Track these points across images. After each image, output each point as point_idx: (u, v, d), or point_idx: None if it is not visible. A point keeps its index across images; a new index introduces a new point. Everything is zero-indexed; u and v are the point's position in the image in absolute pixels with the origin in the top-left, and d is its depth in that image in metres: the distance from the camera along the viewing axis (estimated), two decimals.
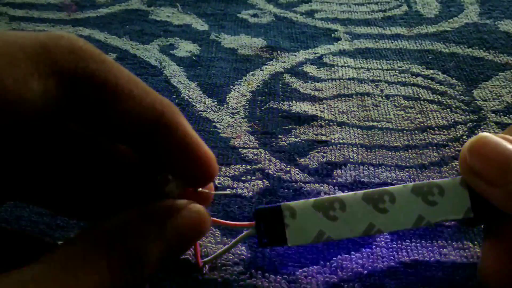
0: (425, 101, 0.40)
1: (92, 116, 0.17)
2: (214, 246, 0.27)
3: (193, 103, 0.39)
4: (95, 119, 0.17)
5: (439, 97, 0.40)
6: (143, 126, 0.18)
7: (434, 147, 0.35)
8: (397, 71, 0.44)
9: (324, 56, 0.46)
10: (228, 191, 0.29)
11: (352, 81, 0.42)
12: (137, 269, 0.18)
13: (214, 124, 0.37)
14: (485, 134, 0.21)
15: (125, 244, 0.18)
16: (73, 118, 0.17)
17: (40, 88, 0.15)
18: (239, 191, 0.31)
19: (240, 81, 0.42)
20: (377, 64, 0.45)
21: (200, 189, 0.22)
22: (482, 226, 0.26)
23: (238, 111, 0.38)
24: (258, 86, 0.42)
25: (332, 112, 0.38)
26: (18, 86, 0.14)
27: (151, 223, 0.19)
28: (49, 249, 0.17)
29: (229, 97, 0.40)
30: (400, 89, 0.41)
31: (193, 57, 0.46)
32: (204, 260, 0.25)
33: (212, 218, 0.23)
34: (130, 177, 0.21)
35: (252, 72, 0.44)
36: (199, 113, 0.38)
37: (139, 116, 0.17)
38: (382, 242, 0.27)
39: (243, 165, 0.33)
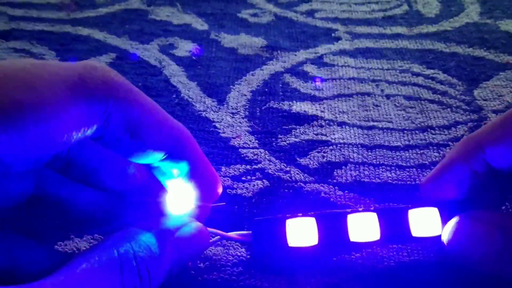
0: (426, 101, 0.40)
1: (119, 140, 0.19)
2: (213, 248, 0.26)
3: (193, 103, 0.39)
4: (121, 143, 0.19)
5: (439, 96, 0.40)
6: (161, 150, 0.20)
7: (435, 147, 0.35)
8: (397, 71, 0.44)
9: (324, 55, 0.46)
10: (223, 203, 0.29)
11: (352, 80, 0.42)
12: (146, 284, 0.19)
13: (214, 124, 0.37)
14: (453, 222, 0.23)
15: (135, 261, 0.19)
16: (103, 141, 0.19)
17: (77, 113, 0.17)
18: (239, 191, 0.31)
19: (240, 81, 0.42)
20: (377, 64, 0.45)
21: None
22: None
23: (238, 111, 0.38)
24: (258, 85, 0.42)
25: (332, 112, 0.38)
26: (59, 111, 0.16)
27: (156, 240, 0.20)
28: (60, 259, 0.18)
29: (229, 97, 0.40)
30: (401, 89, 0.41)
31: (193, 57, 0.46)
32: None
33: (209, 228, 0.24)
34: (140, 194, 0.23)
35: (252, 72, 0.43)
36: (199, 113, 0.38)
37: (158, 141, 0.19)
38: None
39: (243, 165, 0.33)
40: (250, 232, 0.25)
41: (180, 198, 0.22)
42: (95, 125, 0.17)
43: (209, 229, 0.24)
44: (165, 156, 0.20)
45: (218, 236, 0.25)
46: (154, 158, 0.20)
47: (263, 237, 0.25)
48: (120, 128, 0.18)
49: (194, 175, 0.21)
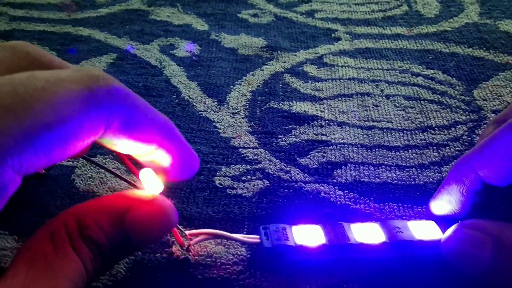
0: (426, 101, 0.40)
1: (116, 139, 0.20)
2: (214, 246, 0.27)
3: (194, 103, 0.39)
4: (118, 142, 0.20)
5: (439, 97, 0.40)
6: (152, 145, 0.21)
7: (435, 147, 0.35)
8: (397, 71, 0.44)
9: (324, 56, 0.46)
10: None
11: (352, 81, 0.42)
12: (97, 257, 0.19)
13: (214, 124, 0.37)
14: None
15: (85, 232, 0.19)
16: (102, 140, 0.20)
17: (89, 123, 0.18)
18: (239, 191, 0.31)
19: (240, 81, 0.42)
20: (377, 64, 0.45)
21: None
22: None
23: (238, 111, 0.38)
24: (258, 86, 0.42)
25: (332, 112, 0.38)
26: (76, 125, 0.18)
27: (110, 214, 0.20)
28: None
29: (229, 97, 0.40)
30: (400, 89, 0.41)
31: (193, 57, 0.46)
32: (190, 242, 0.26)
33: (218, 231, 0.25)
34: None
35: (252, 72, 0.44)
36: (200, 113, 0.38)
37: (151, 138, 0.21)
38: None
39: (243, 165, 0.33)
40: (258, 236, 0.26)
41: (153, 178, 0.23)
42: (102, 129, 0.19)
43: (216, 231, 0.26)
44: (154, 149, 0.21)
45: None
46: (144, 151, 0.21)
47: (271, 237, 0.25)
48: (118, 129, 0.19)
49: (177, 159, 0.22)
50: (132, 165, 0.26)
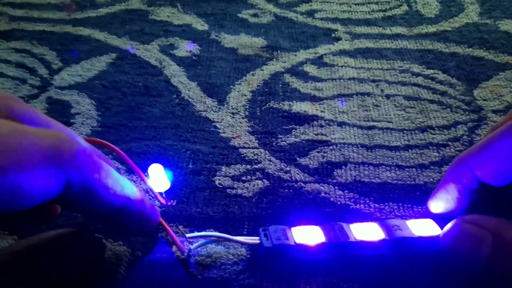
0: (426, 101, 0.40)
1: (76, 204, 0.21)
2: (214, 246, 0.27)
3: (193, 103, 0.39)
4: (77, 206, 0.22)
5: (439, 97, 0.40)
6: (108, 212, 0.23)
7: (435, 147, 0.35)
8: (397, 71, 0.44)
9: (324, 56, 0.46)
10: (172, 202, 0.30)
11: (352, 81, 0.42)
12: None
13: (214, 124, 0.37)
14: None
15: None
16: (62, 203, 0.22)
17: (46, 180, 0.19)
18: (239, 191, 0.31)
19: (240, 81, 0.42)
20: (377, 64, 0.45)
21: None
22: None
23: (238, 111, 0.38)
24: (258, 86, 0.42)
25: (332, 112, 0.38)
26: (33, 177, 0.18)
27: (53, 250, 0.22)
28: None
29: (229, 97, 0.40)
30: (401, 89, 0.41)
31: (193, 57, 0.46)
32: (190, 245, 0.26)
33: (218, 233, 0.26)
34: None
35: (252, 72, 0.44)
36: (200, 113, 0.38)
37: (109, 207, 0.22)
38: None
39: (243, 165, 0.33)
40: (257, 238, 0.26)
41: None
42: (58, 190, 0.19)
43: (216, 233, 0.26)
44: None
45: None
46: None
47: (271, 237, 0.25)
48: (77, 194, 0.20)
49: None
50: (134, 165, 0.27)
